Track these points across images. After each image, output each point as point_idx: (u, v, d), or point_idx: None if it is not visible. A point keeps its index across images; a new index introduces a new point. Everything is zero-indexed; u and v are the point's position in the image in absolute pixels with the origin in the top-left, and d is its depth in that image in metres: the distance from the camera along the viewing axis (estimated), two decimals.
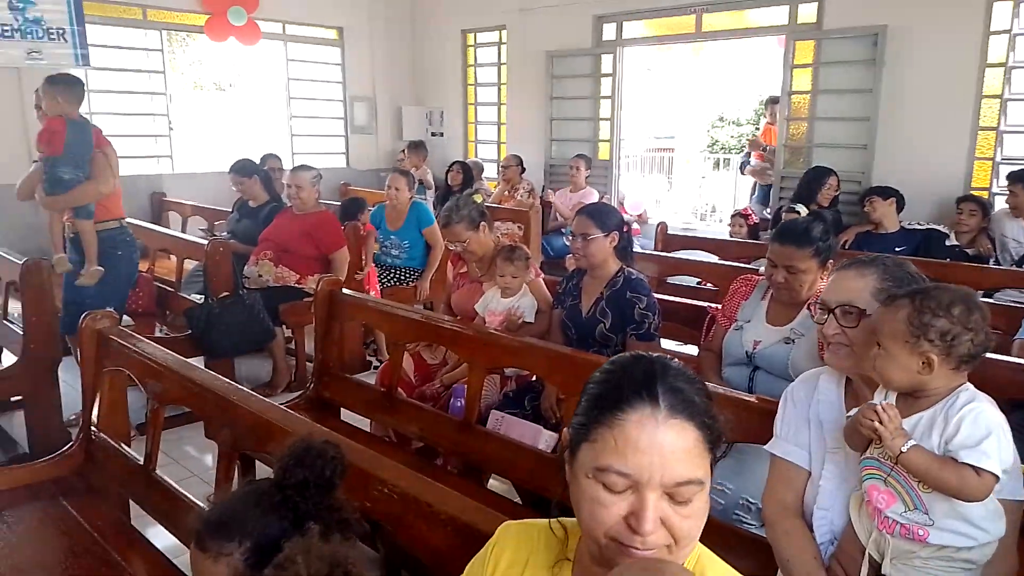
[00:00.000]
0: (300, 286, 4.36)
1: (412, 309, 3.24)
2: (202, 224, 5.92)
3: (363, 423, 3.09)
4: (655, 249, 4.99)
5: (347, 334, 3.30)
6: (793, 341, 2.31)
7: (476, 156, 8.26)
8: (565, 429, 0.97)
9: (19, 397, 3.50)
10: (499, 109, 8.11)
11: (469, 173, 6.85)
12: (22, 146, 5.38)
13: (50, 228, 3.75)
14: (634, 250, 3.13)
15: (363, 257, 4.81)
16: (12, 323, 3.68)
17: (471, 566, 1.07)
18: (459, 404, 2.76)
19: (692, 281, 4.44)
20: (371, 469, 1.53)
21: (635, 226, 6.57)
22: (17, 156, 5.34)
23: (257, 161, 5.44)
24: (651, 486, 0.86)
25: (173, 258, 4.81)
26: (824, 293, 1.64)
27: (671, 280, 4.36)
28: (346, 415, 3.12)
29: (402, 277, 5.11)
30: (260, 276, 4.33)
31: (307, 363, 4.25)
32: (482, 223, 3.25)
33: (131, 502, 2.31)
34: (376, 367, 4.36)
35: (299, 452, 1.24)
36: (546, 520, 1.05)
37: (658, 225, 5.21)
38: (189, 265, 4.71)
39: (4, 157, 5.44)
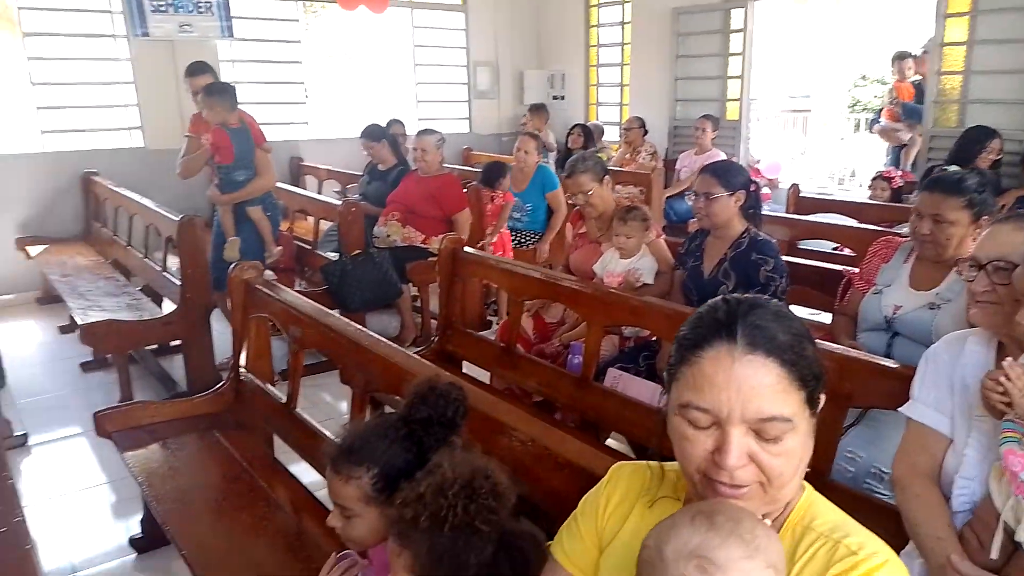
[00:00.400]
0: (425, 246, 4.51)
1: (532, 267, 3.28)
2: (336, 187, 6.23)
3: (484, 376, 3.19)
4: (787, 213, 4.77)
5: (469, 291, 3.39)
6: (938, 307, 2.15)
7: (597, 119, 8.15)
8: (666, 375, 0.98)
9: (178, 342, 3.87)
10: (622, 70, 7.94)
11: (590, 136, 6.78)
12: (175, 114, 5.84)
13: (222, 218, 4.18)
14: (763, 213, 3.01)
15: (490, 221, 4.87)
16: (171, 275, 4.06)
17: (584, 502, 1.10)
18: (576, 361, 2.78)
19: (827, 247, 4.22)
20: (492, 413, 1.58)
21: (765, 190, 6.29)
22: (171, 123, 5.81)
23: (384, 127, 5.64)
24: (732, 421, 0.87)
25: (310, 219, 5.11)
26: (976, 248, 1.52)
27: (803, 245, 4.16)
28: (468, 368, 3.23)
29: (522, 240, 5.17)
30: (388, 236, 4.51)
31: (431, 320, 4.42)
32: (605, 177, 3.24)
33: (275, 437, 2.52)
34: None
35: (424, 390, 1.32)
36: (652, 462, 1.07)
37: (790, 187, 4.96)
38: (324, 226, 4.99)
39: (160, 124, 5.94)
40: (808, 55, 12.59)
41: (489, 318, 4.88)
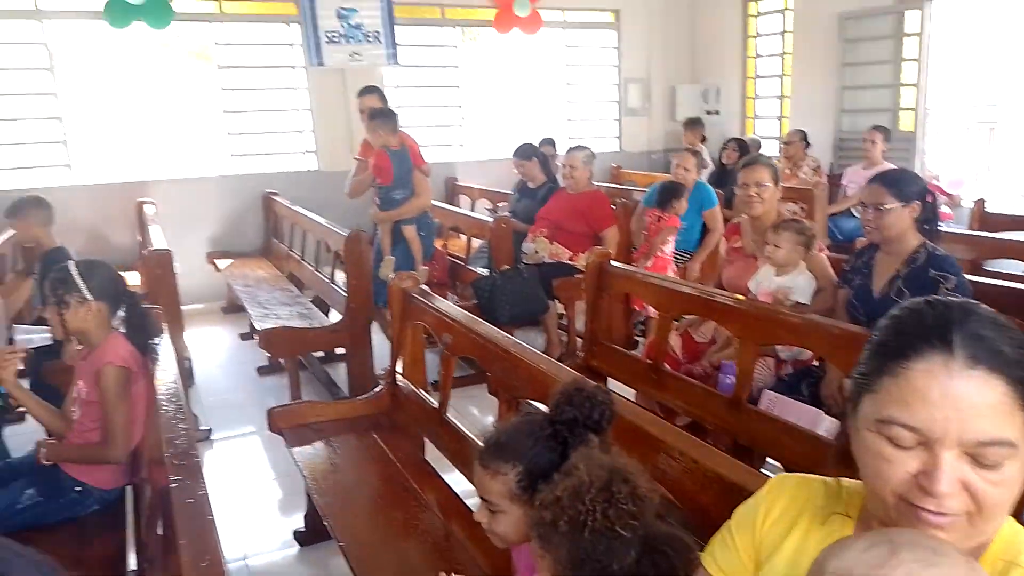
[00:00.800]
0: (572, 263, 4.53)
1: (682, 281, 3.20)
2: (487, 205, 6.43)
3: (629, 395, 3.13)
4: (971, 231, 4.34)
5: (615, 306, 3.36)
6: None
7: (754, 133, 7.85)
8: (846, 380, 0.90)
9: (342, 350, 4.13)
10: (782, 81, 7.61)
11: (746, 150, 6.53)
12: (345, 137, 6.28)
13: (382, 237, 4.45)
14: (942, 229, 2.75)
15: (640, 241, 4.78)
16: (338, 287, 4.35)
17: (739, 513, 1.04)
18: (728, 381, 2.67)
19: (1018, 268, 3.80)
20: (638, 423, 1.55)
21: (944, 209, 5.75)
22: (341, 147, 6.25)
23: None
24: (946, 443, 0.77)
25: (463, 237, 5.31)
26: None
27: (990, 267, 3.77)
28: (613, 386, 3.18)
29: (674, 259, 5.06)
30: (536, 252, 4.58)
31: (577, 338, 4.42)
32: (779, 184, 3.12)
33: (426, 441, 2.62)
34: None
35: (570, 391, 1.32)
36: (827, 477, 0.99)
37: (975, 203, 4.51)
38: (476, 243, 5.16)
39: (332, 147, 6.42)
40: (996, 58, 11.42)
41: (636, 338, 4.80)
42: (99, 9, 5.57)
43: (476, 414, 3.92)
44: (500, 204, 6.10)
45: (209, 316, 5.93)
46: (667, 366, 2.92)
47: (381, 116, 4.25)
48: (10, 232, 4.03)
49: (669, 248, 4.74)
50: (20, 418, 3.49)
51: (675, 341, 3.12)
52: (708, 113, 8.07)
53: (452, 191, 7.02)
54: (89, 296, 2.21)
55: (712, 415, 2.60)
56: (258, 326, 4.01)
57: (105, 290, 2.27)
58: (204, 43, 6.26)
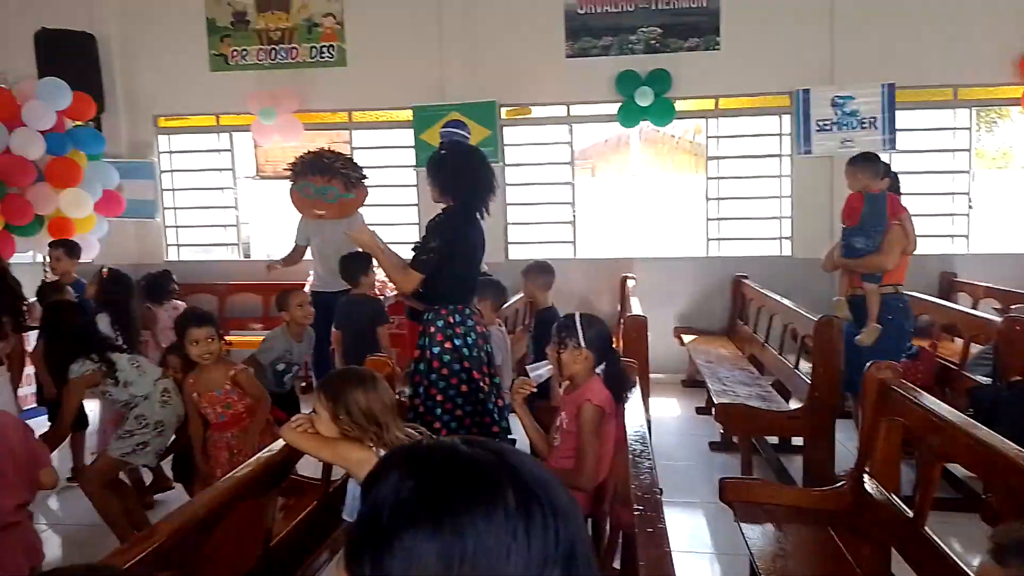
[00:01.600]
0: None
1: None
2: (995, 305, 5.44)
3: None
4: None
5: None
6: None
7: None
8: None
9: (799, 440, 3.91)
10: None
11: None
12: (825, 225, 6.04)
13: (840, 281, 4.29)
14: None
15: None
16: (801, 374, 4.16)
17: None
18: None
19: None
20: None
21: None
22: (819, 234, 6.01)
23: None
24: None
25: (958, 342, 4.59)
26: None
27: None
28: None
29: None
30: None
31: None
32: None
33: (894, 554, 2.28)
34: None
35: None
36: None
37: None
38: (975, 349, 4.39)
39: (809, 234, 6.24)
40: None
41: None
42: (614, 113, 6.50)
43: (957, 550, 3.25)
44: (1015, 306, 5.09)
45: (669, 387, 6.21)
46: None
47: (863, 159, 4.08)
48: (521, 294, 4.96)
49: None
50: (512, 443, 4.17)
51: None
52: None
53: (948, 287, 6.12)
54: (583, 344, 2.55)
55: None
56: (716, 400, 4.06)
57: (595, 342, 2.59)
58: (698, 136, 6.77)
